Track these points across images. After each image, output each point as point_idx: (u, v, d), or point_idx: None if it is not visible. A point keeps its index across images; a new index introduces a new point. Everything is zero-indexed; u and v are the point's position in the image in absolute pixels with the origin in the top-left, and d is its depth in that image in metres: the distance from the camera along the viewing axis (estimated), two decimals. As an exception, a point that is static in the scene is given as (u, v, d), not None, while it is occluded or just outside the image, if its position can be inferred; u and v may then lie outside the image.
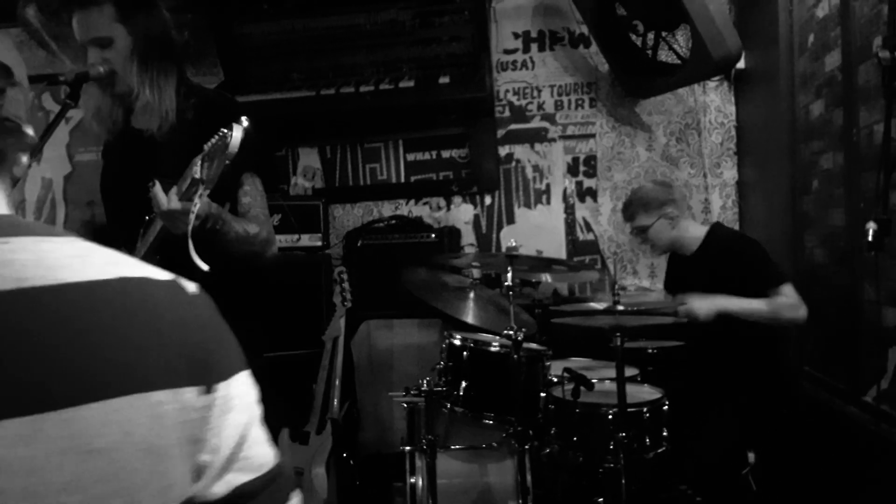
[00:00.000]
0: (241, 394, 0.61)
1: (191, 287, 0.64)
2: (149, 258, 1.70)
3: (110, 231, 1.91)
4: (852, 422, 2.34)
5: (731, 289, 2.48)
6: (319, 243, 3.48)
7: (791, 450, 2.60)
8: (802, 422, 2.61)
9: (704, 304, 2.41)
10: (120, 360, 0.54)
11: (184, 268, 1.78)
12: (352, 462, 3.15)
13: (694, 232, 2.69)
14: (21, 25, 3.59)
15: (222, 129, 1.40)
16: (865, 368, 2.32)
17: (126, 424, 0.52)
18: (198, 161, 1.47)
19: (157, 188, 1.55)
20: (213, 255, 1.83)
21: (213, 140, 1.43)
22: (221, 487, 0.58)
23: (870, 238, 1.61)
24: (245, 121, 1.41)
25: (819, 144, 2.71)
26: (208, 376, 0.58)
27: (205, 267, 1.39)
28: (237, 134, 1.38)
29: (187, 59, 1.85)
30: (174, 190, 1.55)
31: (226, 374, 0.60)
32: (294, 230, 3.40)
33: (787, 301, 2.40)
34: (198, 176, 1.44)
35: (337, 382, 3.17)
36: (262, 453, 0.62)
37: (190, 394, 0.56)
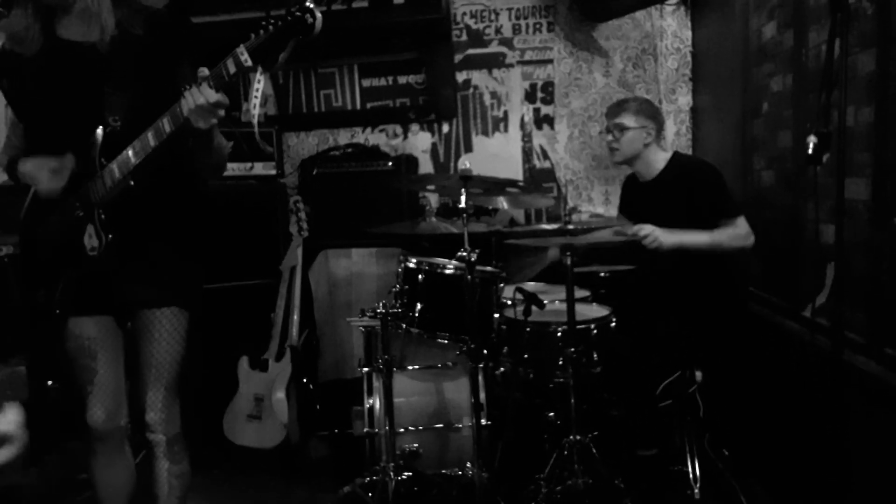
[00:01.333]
0: None
1: None
2: (131, 177, 1.68)
3: (38, 147, 1.80)
4: (792, 336, 2.44)
5: (686, 215, 2.53)
6: (273, 172, 3.42)
7: (737, 368, 2.71)
8: (748, 340, 2.71)
9: (666, 236, 2.46)
10: None
11: (159, 187, 1.75)
12: (312, 387, 3.19)
13: (658, 158, 2.74)
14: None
15: (296, 12, 1.45)
16: (805, 285, 2.41)
17: None
18: (243, 51, 1.50)
19: (194, 89, 1.55)
20: (180, 175, 1.81)
21: (276, 25, 1.47)
22: None
23: (810, 151, 1.64)
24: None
25: (770, 67, 2.72)
26: None
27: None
28: (319, 15, 1.45)
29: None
30: (204, 84, 1.55)
31: None
32: (247, 158, 3.33)
33: (739, 231, 2.50)
34: (249, 64, 1.50)
35: (295, 311, 3.18)
36: None
37: None
